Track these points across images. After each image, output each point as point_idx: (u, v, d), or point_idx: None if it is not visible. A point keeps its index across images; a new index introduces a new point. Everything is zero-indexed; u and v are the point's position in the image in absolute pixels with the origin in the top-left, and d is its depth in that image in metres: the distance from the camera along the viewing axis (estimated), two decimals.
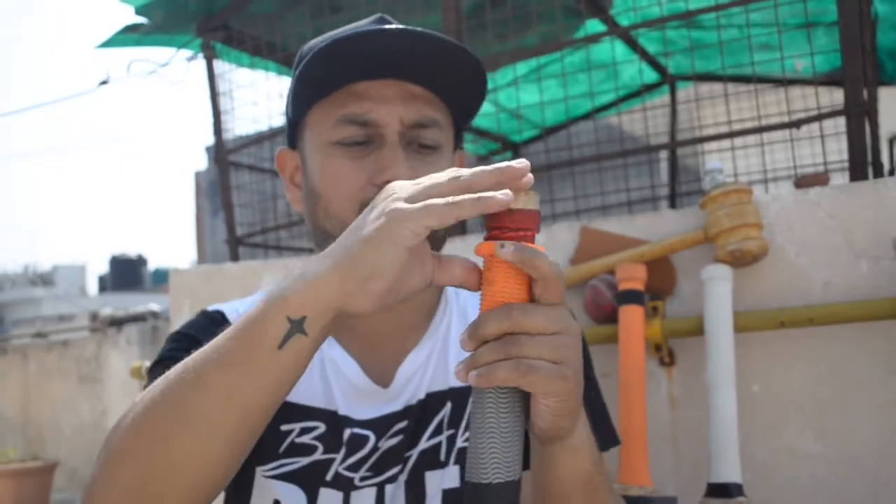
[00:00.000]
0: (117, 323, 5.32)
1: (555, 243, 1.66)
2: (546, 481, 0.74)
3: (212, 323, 0.92)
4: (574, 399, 0.64)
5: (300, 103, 0.91)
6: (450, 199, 0.59)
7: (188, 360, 0.68)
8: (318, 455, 0.89)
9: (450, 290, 0.99)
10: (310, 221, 0.92)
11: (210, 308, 0.97)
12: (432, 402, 0.92)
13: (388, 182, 0.80)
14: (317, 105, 0.89)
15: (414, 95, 0.87)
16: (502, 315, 0.61)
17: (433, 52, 0.84)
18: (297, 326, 0.63)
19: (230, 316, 0.94)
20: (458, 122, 0.95)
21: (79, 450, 5.57)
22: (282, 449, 0.88)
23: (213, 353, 0.66)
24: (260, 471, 0.88)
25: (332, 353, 0.92)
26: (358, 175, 0.86)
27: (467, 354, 0.93)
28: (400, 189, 0.63)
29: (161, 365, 0.86)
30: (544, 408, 0.64)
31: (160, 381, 0.70)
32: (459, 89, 0.90)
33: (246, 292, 2.00)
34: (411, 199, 0.61)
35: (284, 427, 0.89)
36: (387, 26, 0.84)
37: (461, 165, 0.98)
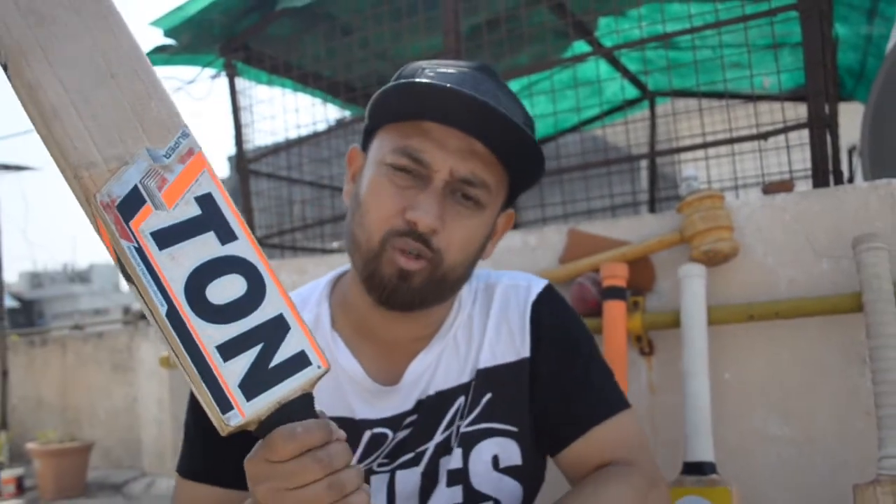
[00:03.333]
0: None
1: (545, 244, 1.66)
2: None
3: None
4: None
5: (376, 118, 0.88)
6: None
7: None
8: None
9: (464, 292, 0.98)
10: (348, 222, 0.90)
11: None
12: (444, 398, 0.91)
13: (414, 222, 0.81)
14: (389, 125, 0.87)
15: (475, 153, 0.84)
16: None
17: (507, 129, 0.81)
18: None
19: None
20: (513, 188, 0.92)
21: (112, 432, 5.57)
22: None
23: None
24: None
25: (342, 360, 0.91)
26: (395, 201, 0.83)
27: (475, 347, 0.94)
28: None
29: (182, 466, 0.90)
30: None
31: None
32: (521, 164, 0.87)
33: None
34: None
35: None
36: (477, 95, 0.80)
37: (506, 225, 0.96)
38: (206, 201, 0.59)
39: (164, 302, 0.55)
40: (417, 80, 0.82)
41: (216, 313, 0.57)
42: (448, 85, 0.80)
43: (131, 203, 0.56)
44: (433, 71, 0.86)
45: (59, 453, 4.86)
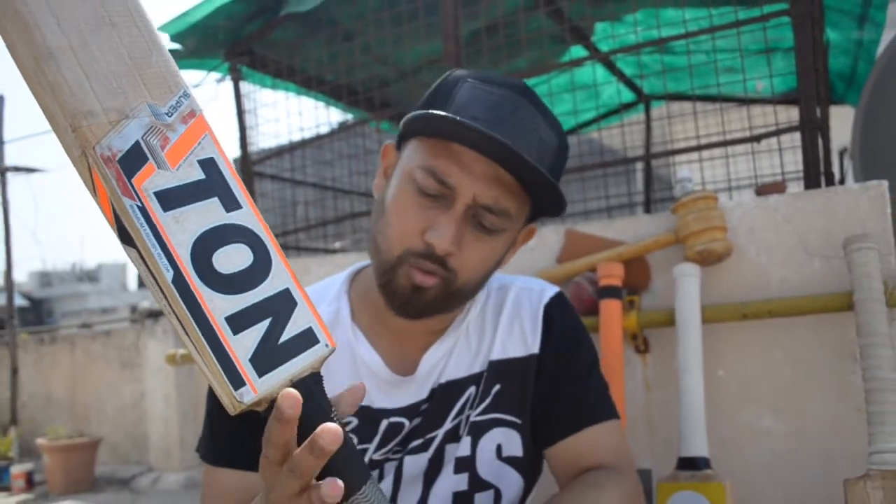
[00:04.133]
0: (154, 315, 5.32)
1: (543, 244, 1.66)
2: None
3: None
4: None
5: (411, 128, 0.87)
6: None
7: None
8: None
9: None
10: (373, 219, 0.90)
11: None
12: (454, 387, 0.92)
13: (432, 244, 0.81)
14: (423, 136, 0.86)
15: (500, 180, 0.83)
16: None
17: (534, 169, 0.81)
18: None
19: None
20: (535, 211, 0.91)
21: (120, 428, 5.57)
22: None
23: None
24: None
25: (362, 352, 0.93)
26: (417, 221, 0.83)
27: (488, 339, 0.95)
28: None
29: (203, 448, 0.90)
30: None
31: None
32: (545, 198, 0.86)
33: None
34: None
35: None
36: (509, 144, 0.78)
37: (526, 238, 0.96)
38: (209, 165, 0.55)
39: (169, 267, 0.51)
40: (450, 116, 0.80)
41: (224, 283, 0.53)
42: (478, 126, 0.78)
43: (133, 159, 0.51)
44: (472, 90, 0.84)
45: (67, 449, 4.86)
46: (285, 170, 2.78)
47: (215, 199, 0.54)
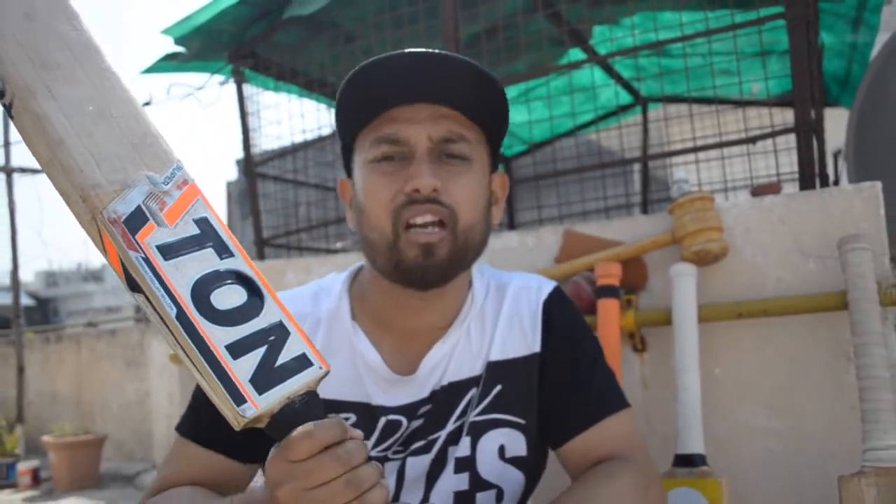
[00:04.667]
0: None
1: (541, 244, 1.66)
2: None
3: None
4: None
5: (346, 132, 0.90)
6: None
7: None
8: None
9: (476, 286, 0.98)
10: (360, 235, 0.91)
11: None
12: (456, 389, 0.92)
13: (416, 190, 0.81)
14: (361, 132, 0.88)
15: (444, 116, 0.85)
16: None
17: (457, 73, 0.83)
18: None
19: None
20: (492, 143, 0.93)
21: (125, 425, 5.57)
22: None
23: None
24: None
25: (362, 349, 0.92)
26: (391, 187, 0.84)
27: (487, 341, 0.94)
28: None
29: (185, 427, 0.91)
30: None
31: None
32: (485, 108, 0.88)
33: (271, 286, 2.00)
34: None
35: None
36: (410, 50, 0.83)
37: (503, 188, 0.96)
38: (202, 222, 0.63)
39: (172, 306, 0.58)
40: (358, 70, 0.83)
41: (222, 317, 0.60)
42: (391, 53, 0.81)
43: (136, 220, 0.60)
44: (365, 69, 0.85)
45: (73, 446, 4.86)
46: (288, 171, 2.78)
47: (210, 249, 0.62)
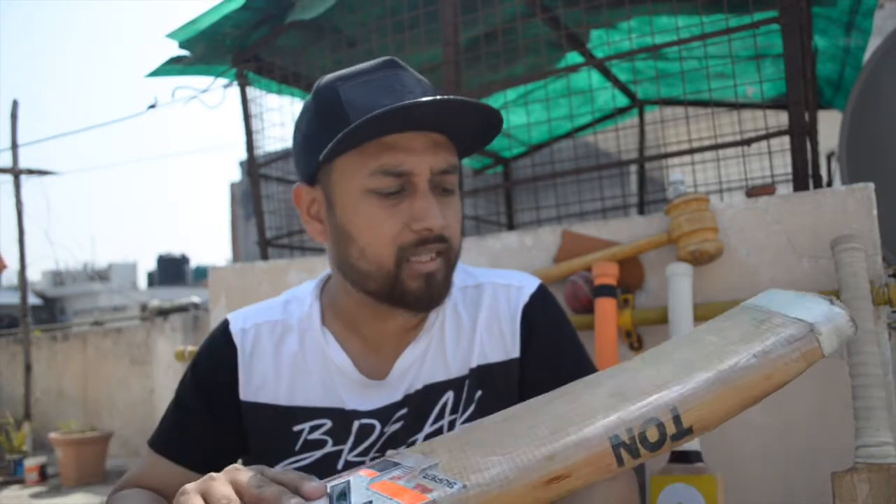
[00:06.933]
0: (164, 313, 5.32)
1: (540, 245, 1.66)
2: None
3: (219, 348, 0.94)
4: None
5: (331, 151, 0.81)
6: None
7: None
8: (329, 448, 0.88)
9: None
10: (339, 257, 0.87)
11: (220, 323, 0.97)
12: (432, 391, 0.90)
13: (429, 228, 0.81)
14: (348, 154, 0.82)
15: (437, 144, 0.83)
16: None
17: (456, 111, 0.80)
18: None
19: (233, 326, 0.94)
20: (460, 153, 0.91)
21: (130, 422, 5.57)
22: (297, 447, 0.88)
23: None
24: (280, 466, 0.87)
25: (332, 354, 0.91)
26: (395, 222, 0.81)
27: (465, 343, 0.93)
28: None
29: (173, 410, 0.94)
30: None
31: None
32: (473, 136, 0.86)
33: (273, 286, 2.00)
34: None
35: (296, 428, 0.89)
36: (424, 99, 0.77)
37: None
38: None
39: None
40: (373, 115, 0.77)
41: None
42: (401, 104, 0.77)
43: None
44: (355, 89, 0.83)
45: (79, 442, 4.86)
46: (291, 172, 2.78)
47: None
